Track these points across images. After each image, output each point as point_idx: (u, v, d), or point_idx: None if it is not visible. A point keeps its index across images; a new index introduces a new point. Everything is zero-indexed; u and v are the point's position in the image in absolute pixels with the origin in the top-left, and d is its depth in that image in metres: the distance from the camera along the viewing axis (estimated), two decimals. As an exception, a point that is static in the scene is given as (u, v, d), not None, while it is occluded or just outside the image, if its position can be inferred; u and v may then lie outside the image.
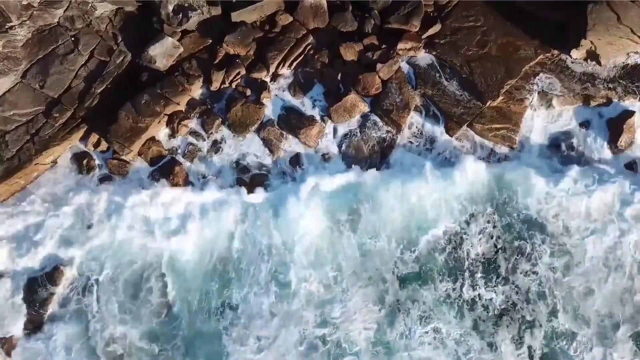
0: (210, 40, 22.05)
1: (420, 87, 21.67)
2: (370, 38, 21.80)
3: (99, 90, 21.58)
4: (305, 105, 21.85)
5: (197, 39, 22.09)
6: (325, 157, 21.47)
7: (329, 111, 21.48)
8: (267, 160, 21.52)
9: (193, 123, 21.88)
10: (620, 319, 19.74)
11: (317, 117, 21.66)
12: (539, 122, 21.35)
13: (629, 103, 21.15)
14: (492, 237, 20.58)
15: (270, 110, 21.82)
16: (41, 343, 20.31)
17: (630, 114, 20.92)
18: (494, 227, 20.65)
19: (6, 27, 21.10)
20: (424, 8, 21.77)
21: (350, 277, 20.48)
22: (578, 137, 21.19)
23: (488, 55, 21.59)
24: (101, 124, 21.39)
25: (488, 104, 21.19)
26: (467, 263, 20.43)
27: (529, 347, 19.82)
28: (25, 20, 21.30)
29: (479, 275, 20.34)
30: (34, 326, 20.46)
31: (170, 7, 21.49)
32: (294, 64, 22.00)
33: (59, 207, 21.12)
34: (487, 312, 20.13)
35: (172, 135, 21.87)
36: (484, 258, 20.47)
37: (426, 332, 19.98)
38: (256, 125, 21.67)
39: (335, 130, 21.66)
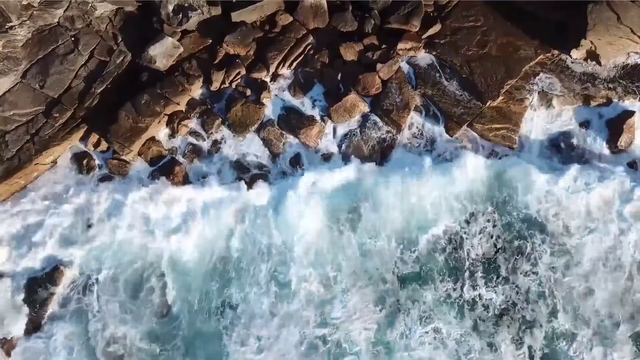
0: (210, 40, 22.05)
1: (420, 87, 21.67)
2: (370, 38, 21.80)
3: (99, 90, 21.59)
4: (305, 105, 21.85)
5: (197, 39, 22.08)
6: (325, 157, 21.49)
7: (329, 111, 21.48)
8: (267, 160, 21.53)
9: (193, 123, 21.88)
10: (620, 319, 19.74)
11: (317, 117, 21.66)
12: (539, 122, 21.34)
13: (629, 103, 21.15)
14: (492, 237, 20.58)
15: (270, 110, 21.83)
16: (41, 343, 20.32)
17: (630, 114, 20.92)
18: (494, 226, 20.65)
19: (6, 27, 21.11)
20: (424, 8, 21.77)
21: (350, 277, 20.47)
22: (578, 137, 21.18)
23: (488, 55, 21.58)
24: (101, 124, 21.40)
25: (488, 104, 21.18)
26: (467, 263, 20.42)
27: (529, 347, 19.81)
28: (25, 20, 21.30)
29: (479, 275, 20.34)
30: (34, 326, 20.47)
31: (170, 7, 21.48)
32: (294, 64, 22.00)
33: (59, 206, 21.15)
34: (488, 312, 20.13)
35: (172, 135, 21.87)
36: (484, 258, 20.46)
37: (426, 332, 19.97)
38: (256, 125, 21.68)
39: (335, 130, 21.66)
